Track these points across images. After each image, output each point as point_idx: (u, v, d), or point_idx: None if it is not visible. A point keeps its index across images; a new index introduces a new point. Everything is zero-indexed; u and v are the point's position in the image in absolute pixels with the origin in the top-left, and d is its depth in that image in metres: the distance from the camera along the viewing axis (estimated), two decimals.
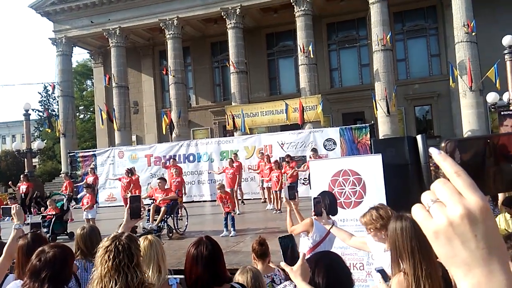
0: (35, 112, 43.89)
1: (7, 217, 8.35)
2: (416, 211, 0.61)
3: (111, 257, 2.15)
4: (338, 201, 4.81)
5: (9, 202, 11.56)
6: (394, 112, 20.47)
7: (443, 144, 0.68)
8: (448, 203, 0.58)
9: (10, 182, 16.95)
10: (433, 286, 2.02)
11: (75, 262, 3.35)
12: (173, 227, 9.60)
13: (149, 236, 2.89)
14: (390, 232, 2.28)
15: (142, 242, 3.14)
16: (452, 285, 2.07)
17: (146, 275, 2.30)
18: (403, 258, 2.15)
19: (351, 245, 3.34)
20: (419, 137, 4.41)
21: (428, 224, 0.59)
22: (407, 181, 4.34)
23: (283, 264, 1.93)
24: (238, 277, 2.83)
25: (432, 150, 0.63)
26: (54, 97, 43.63)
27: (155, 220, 9.27)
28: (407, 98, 24.09)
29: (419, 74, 24.54)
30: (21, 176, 16.14)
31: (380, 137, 18.22)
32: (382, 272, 2.45)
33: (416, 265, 2.06)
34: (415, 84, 24.37)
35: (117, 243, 2.20)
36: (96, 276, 2.18)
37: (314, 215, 3.35)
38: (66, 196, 11.85)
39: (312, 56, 21.22)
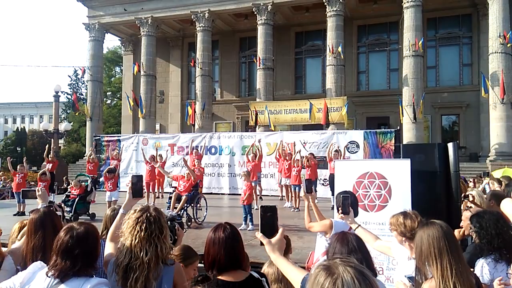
0: (64, 94, 44.98)
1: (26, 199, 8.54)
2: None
3: (143, 227, 2.17)
4: (361, 203, 4.80)
5: (41, 178, 11.86)
6: (421, 119, 20.15)
7: None
8: None
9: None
10: (464, 284, 1.97)
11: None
12: (192, 217, 9.71)
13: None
14: (417, 239, 2.18)
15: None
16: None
17: None
18: (429, 262, 2.05)
19: (375, 247, 3.26)
20: (450, 145, 4.35)
21: None
22: (434, 188, 4.29)
23: (259, 236, 1.88)
24: (268, 269, 2.85)
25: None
26: (83, 81, 44.60)
27: (175, 208, 9.41)
28: (434, 106, 23.67)
29: (449, 83, 24.05)
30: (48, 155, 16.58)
31: (404, 143, 17.93)
32: (412, 279, 2.41)
33: (445, 267, 1.99)
34: (444, 92, 23.91)
35: (148, 215, 2.23)
36: (124, 246, 2.20)
37: (341, 213, 3.19)
38: (91, 177, 12.11)
39: (341, 57, 21.06)
